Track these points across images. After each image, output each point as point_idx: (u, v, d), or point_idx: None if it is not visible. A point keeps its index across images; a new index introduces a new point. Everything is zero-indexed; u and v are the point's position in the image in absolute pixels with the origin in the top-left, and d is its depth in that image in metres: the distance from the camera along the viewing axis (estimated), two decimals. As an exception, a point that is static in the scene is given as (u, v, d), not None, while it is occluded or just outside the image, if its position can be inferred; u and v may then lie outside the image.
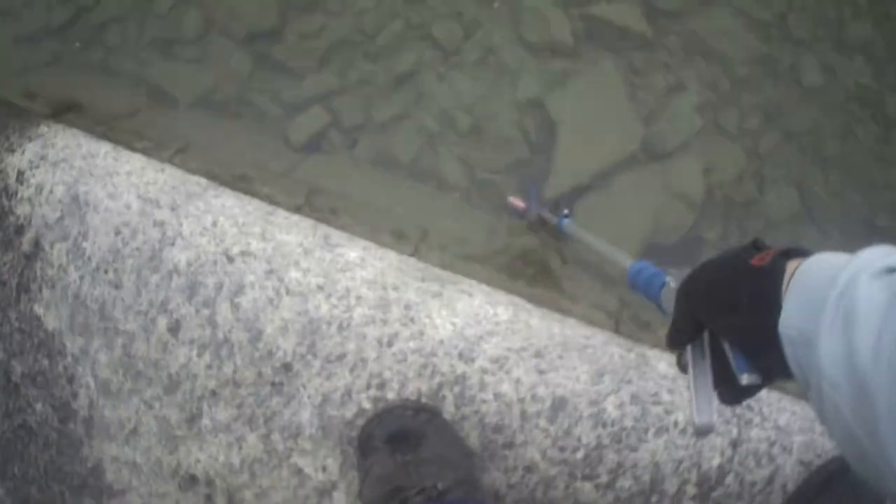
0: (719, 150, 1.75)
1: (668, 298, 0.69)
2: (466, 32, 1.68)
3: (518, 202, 1.53)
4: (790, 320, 0.46)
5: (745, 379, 0.52)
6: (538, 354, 0.92)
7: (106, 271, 0.95)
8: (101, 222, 0.96)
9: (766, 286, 0.50)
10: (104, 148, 1.02)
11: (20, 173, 1.03)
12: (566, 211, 1.43)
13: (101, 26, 1.84)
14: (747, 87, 1.81)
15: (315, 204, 1.44)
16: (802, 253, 0.53)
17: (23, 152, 1.04)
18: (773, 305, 0.49)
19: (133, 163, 1.00)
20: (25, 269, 0.99)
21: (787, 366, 0.47)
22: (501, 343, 0.91)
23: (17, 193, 1.02)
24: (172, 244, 0.92)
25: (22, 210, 1.01)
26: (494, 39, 1.68)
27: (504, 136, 1.61)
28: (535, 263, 1.46)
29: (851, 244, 1.05)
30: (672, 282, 0.71)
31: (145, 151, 1.15)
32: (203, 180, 1.00)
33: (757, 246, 0.57)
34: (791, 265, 0.51)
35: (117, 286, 0.93)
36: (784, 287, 0.49)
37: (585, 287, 1.43)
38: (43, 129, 1.05)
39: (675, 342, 0.60)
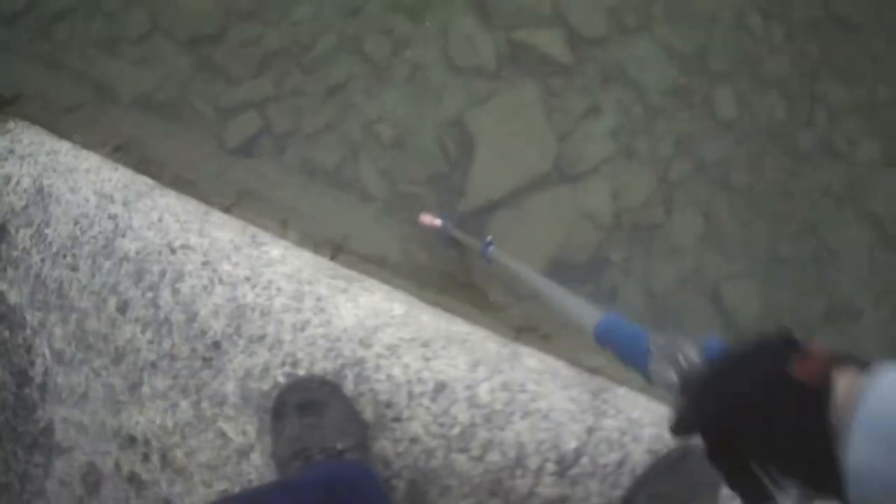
0: (630, 175, 2.28)
1: (659, 368, 0.73)
2: (396, 49, 2.26)
3: (431, 220, 2.01)
4: (865, 465, 0.45)
5: None
6: (425, 345, 1.45)
7: (64, 256, 1.45)
8: (62, 213, 1.47)
9: (814, 409, 0.49)
10: (65, 146, 1.53)
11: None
12: (489, 238, 1.83)
13: (52, 19, 2.38)
14: (662, 115, 2.34)
15: (244, 205, 1.93)
16: (854, 362, 0.51)
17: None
18: (825, 432, 0.47)
19: (91, 161, 1.51)
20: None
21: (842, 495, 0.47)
22: (395, 333, 1.45)
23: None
24: (123, 235, 1.43)
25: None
26: (422, 58, 2.30)
27: (425, 151, 2.23)
28: (446, 275, 1.96)
29: (754, 271, 1.73)
30: (655, 349, 0.75)
31: (86, 145, 1.62)
32: (150, 181, 1.53)
33: (789, 343, 0.55)
34: (843, 381, 0.49)
35: (74, 269, 1.43)
36: (837, 409, 0.48)
37: (490, 298, 1.89)
38: (10, 125, 1.55)
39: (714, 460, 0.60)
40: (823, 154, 2.45)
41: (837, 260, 2.35)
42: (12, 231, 1.54)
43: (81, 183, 1.55)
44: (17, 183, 1.57)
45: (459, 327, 1.59)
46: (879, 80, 2.48)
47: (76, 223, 1.53)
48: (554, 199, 2.22)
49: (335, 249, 1.85)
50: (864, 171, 2.46)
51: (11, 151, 1.60)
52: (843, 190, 2.42)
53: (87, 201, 1.53)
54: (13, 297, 1.51)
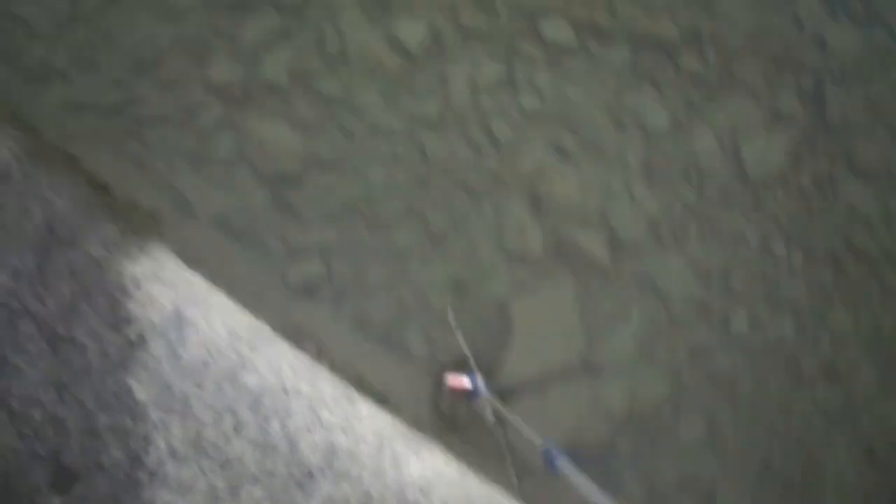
0: (647, 377, 3.06)
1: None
2: (455, 224, 3.06)
3: (460, 382, 2.83)
4: None
5: None
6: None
7: (192, 374, 2.21)
8: (195, 339, 2.25)
9: None
10: (200, 280, 2.30)
11: (136, 280, 2.30)
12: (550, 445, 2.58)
13: (145, 121, 3.21)
14: (682, 325, 3.16)
15: (302, 344, 2.66)
16: None
17: (140, 265, 2.30)
18: None
19: (221, 298, 2.27)
20: (128, 351, 2.26)
21: None
22: (448, 492, 2.20)
23: (132, 295, 2.29)
24: (246, 369, 2.19)
25: (134, 308, 2.30)
26: (477, 235, 3.12)
27: (467, 326, 3.02)
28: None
29: (747, 478, 2.70)
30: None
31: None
32: (268, 329, 2.28)
33: None
34: None
35: (199, 386, 2.21)
36: None
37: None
38: (152, 249, 2.31)
39: None
40: (824, 376, 3.18)
41: (825, 476, 3.04)
42: (150, 342, 2.30)
43: (214, 318, 2.33)
44: (160, 304, 2.34)
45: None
46: (886, 312, 3.28)
47: (207, 350, 2.30)
48: (575, 389, 3.02)
49: (380, 400, 2.61)
50: (861, 397, 3.18)
51: (156, 276, 2.39)
52: (838, 412, 3.14)
53: (219, 335, 2.30)
54: (140, 395, 2.27)
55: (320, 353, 2.73)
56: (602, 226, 3.31)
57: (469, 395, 2.93)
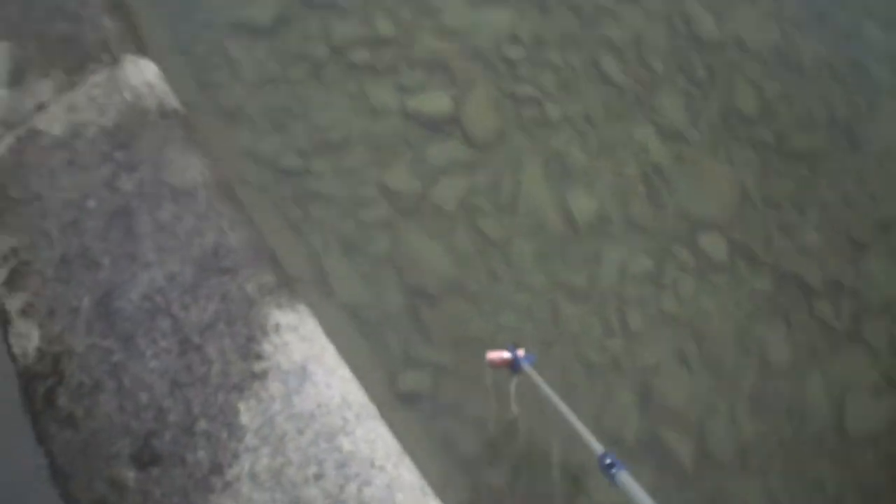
0: None
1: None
2: (565, 391, 3.22)
3: (500, 355, 3.02)
4: None
5: None
6: None
7: (298, 419, 2.45)
8: (312, 393, 2.49)
9: None
10: (331, 349, 2.56)
11: (277, 326, 2.58)
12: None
13: (314, 195, 3.56)
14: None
15: None
16: None
17: (285, 315, 2.59)
18: None
19: (345, 372, 2.53)
20: (248, 380, 2.50)
21: None
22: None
23: (269, 336, 2.56)
24: (345, 434, 2.43)
25: (267, 348, 2.56)
26: (580, 408, 3.10)
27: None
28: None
29: None
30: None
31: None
32: (375, 409, 2.52)
33: None
34: None
35: (300, 432, 2.44)
36: None
37: None
38: (301, 307, 2.61)
39: None
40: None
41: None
42: (270, 380, 2.56)
43: (334, 382, 2.59)
44: (291, 353, 2.61)
45: None
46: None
47: (318, 405, 2.54)
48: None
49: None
50: None
51: (296, 329, 2.67)
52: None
53: (332, 398, 2.55)
54: (244, 419, 2.49)
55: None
56: (696, 435, 3.42)
57: (512, 369, 3.11)
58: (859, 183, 4.23)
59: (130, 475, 2.40)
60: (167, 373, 2.53)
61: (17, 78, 3.27)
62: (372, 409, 2.54)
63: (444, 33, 4.29)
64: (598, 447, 2.46)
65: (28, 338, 2.66)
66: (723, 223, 3.87)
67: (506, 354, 3.13)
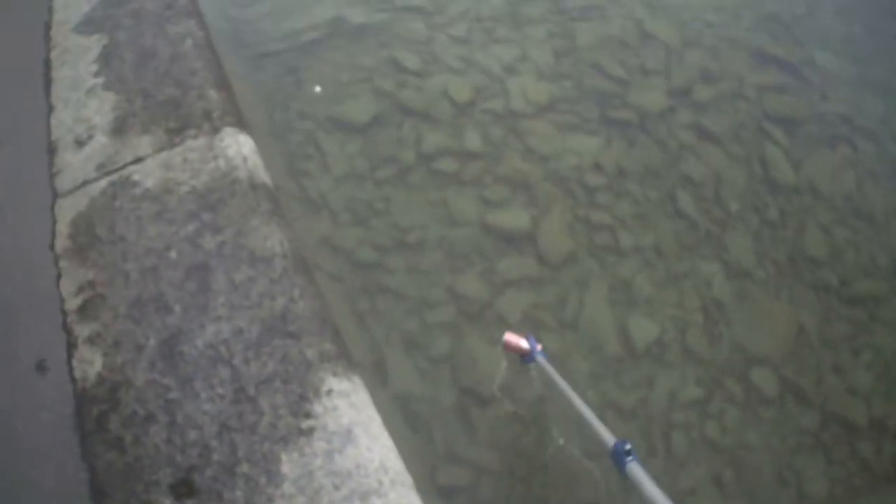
0: None
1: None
2: None
3: (517, 340, 3.05)
4: None
5: None
6: None
7: (336, 475, 2.55)
8: (352, 453, 2.59)
9: None
10: (378, 420, 2.68)
11: (330, 392, 2.70)
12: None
13: (384, 289, 3.75)
14: None
15: None
16: None
17: (339, 383, 2.72)
18: None
19: (387, 441, 2.64)
20: (294, 435, 2.61)
21: None
22: None
23: (321, 399, 2.69)
24: (377, 494, 2.51)
25: (317, 409, 2.67)
26: None
27: None
28: None
29: None
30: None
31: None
32: (409, 478, 2.62)
33: None
34: None
35: (336, 487, 2.51)
36: None
37: None
38: (355, 378, 2.74)
39: None
40: None
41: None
42: (315, 438, 2.64)
43: (375, 449, 2.69)
44: (339, 417, 2.74)
45: None
46: None
47: (357, 466, 2.62)
48: None
49: None
50: None
51: (347, 397, 2.78)
52: None
53: (372, 462, 2.63)
54: (285, 468, 2.55)
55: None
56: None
57: (523, 358, 3.16)
58: (917, 333, 4.25)
59: (166, 502, 2.47)
60: (219, 416, 2.63)
61: (118, 128, 3.55)
62: (408, 478, 2.62)
63: (531, 155, 4.52)
64: (610, 437, 2.50)
65: (91, 364, 2.79)
66: (776, 360, 3.91)
67: (524, 343, 3.20)
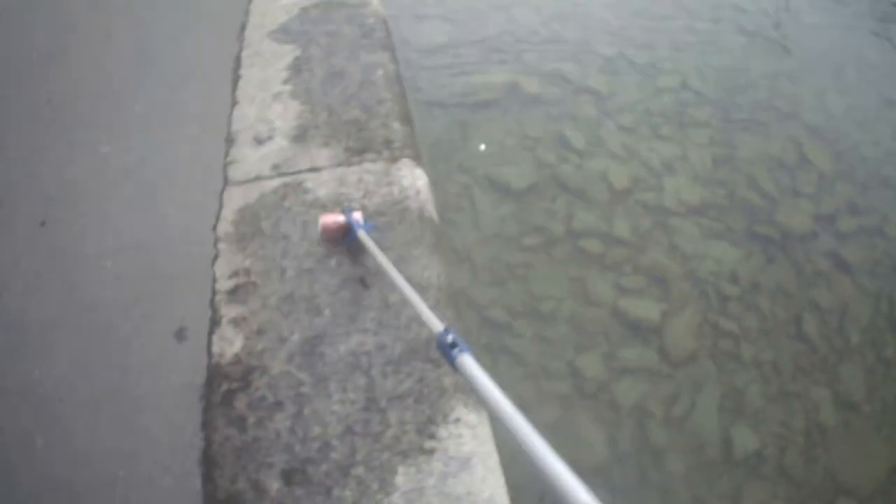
0: None
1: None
2: None
3: (334, 219, 3.15)
4: None
5: None
6: None
7: (446, 496, 2.66)
8: (466, 481, 2.75)
9: None
10: (496, 457, 2.99)
11: (458, 420, 2.98)
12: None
13: (508, 351, 4.06)
14: None
15: None
16: None
17: (468, 413, 3.02)
18: None
19: (500, 478, 2.96)
20: (414, 452, 2.76)
21: None
22: None
23: (447, 424, 2.91)
24: None
25: (441, 433, 2.88)
26: None
27: None
28: None
29: None
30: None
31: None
32: None
33: None
34: None
35: None
36: None
37: None
38: (484, 414, 3.05)
39: None
40: None
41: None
42: (434, 458, 2.73)
43: (488, 482, 2.85)
44: (461, 444, 3.09)
45: None
46: None
47: (468, 493, 2.68)
48: None
49: None
50: None
51: (473, 427, 2.97)
52: None
53: (482, 492, 2.66)
54: (399, 480, 2.68)
55: None
56: None
57: (346, 236, 3.26)
58: None
59: (275, 486, 2.70)
60: (346, 419, 2.87)
61: (299, 136, 3.96)
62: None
63: (674, 252, 4.77)
64: (437, 324, 2.38)
65: (230, 343, 3.09)
66: (863, 494, 4.21)
67: (340, 218, 3.24)
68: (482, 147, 5.20)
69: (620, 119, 5.68)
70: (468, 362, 2.04)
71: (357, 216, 3.27)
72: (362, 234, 3.24)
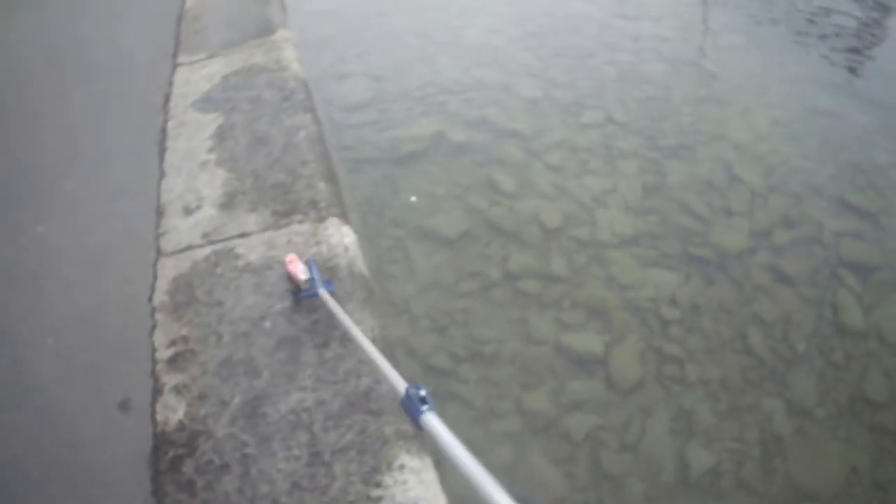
0: None
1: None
2: None
3: (295, 267, 3.25)
4: None
5: None
6: None
7: None
8: None
9: None
10: (443, 500, 3.03)
11: (402, 466, 3.01)
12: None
13: (455, 396, 4.01)
14: None
15: None
16: None
17: (411, 459, 3.07)
18: None
19: None
20: (362, 501, 3.04)
21: None
22: None
23: (392, 472, 2.98)
24: None
25: (387, 480, 2.93)
26: None
27: None
28: None
29: None
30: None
31: None
32: None
33: None
34: None
35: None
36: None
37: None
38: (427, 458, 3.09)
39: None
40: None
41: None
42: None
43: None
44: (407, 490, 2.93)
45: None
46: None
47: None
48: None
49: None
50: None
51: (418, 473, 2.91)
52: None
53: None
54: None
55: None
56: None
57: (303, 291, 3.40)
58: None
59: None
60: (292, 475, 2.96)
61: (227, 203, 4.11)
62: None
63: (612, 284, 4.91)
64: (401, 383, 2.41)
65: (174, 410, 3.18)
66: (826, 497, 4.27)
67: (302, 274, 3.40)
68: (413, 199, 5.32)
69: (548, 158, 5.88)
70: (433, 421, 2.10)
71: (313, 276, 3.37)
72: (323, 293, 3.36)
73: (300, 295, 3.45)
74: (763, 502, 4.03)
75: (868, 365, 4.60)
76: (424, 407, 2.17)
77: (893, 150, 6.37)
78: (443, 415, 3.89)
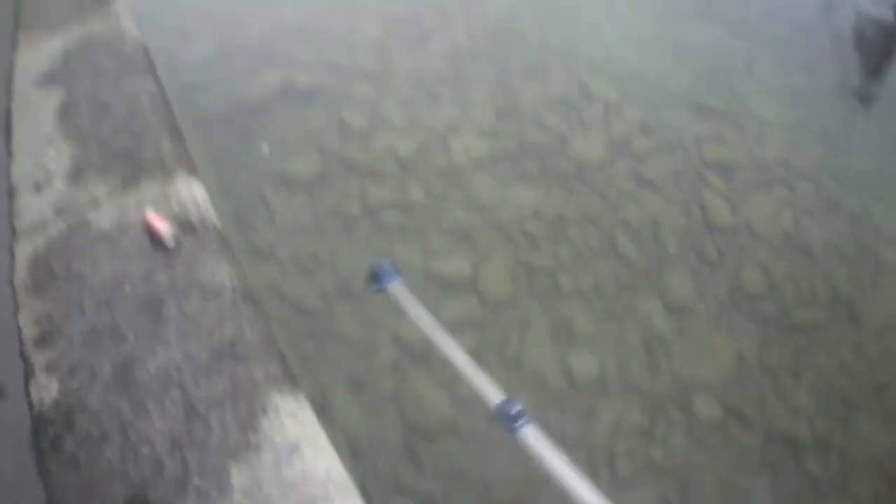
0: None
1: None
2: None
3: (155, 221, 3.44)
4: None
5: None
6: None
7: (283, 485, 2.85)
8: (299, 465, 2.91)
9: None
10: (323, 435, 3.07)
11: (277, 409, 3.09)
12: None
13: (331, 335, 4.19)
14: None
15: None
16: None
17: (286, 402, 3.12)
18: None
19: (333, 455, 3.03)
20: (243, 448, 2.93)
21: None
22: None
23: (269, 416, 3.06)
24: (325, 500, 2.86)
25: (265, 425, 3.02)
26: None
27: None
28: None
29: None
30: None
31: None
32: (355, 487, 3.04)
33: None
34: None
35: (284, 496, 2.81)
36: None
37: None
38: (301, 397, 3.16)
39: None
40: None
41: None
42: (263, 451, 2.91)
43: (322, 460, 2.85)
44: (286, 432, 2.98)
45: None
46: None
47: (304, 477, 2.79)
48: None
49: None
50: None
51: (294, 414, 3.04)
52: None
53: (318, 472, 2.81)
54: (235, 480, 2.83)
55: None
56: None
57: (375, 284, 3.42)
58: (856, 351, 4.61)
59: None
60: (171, 434, 2.98)
61: (76, 175, 4.05)
62: (353, 488, 2.97)
63: (472, 206, 5.02)
64: (496, 394, 2.40)
65: (47, 389, 3.16)
66: (718, 388, 4.30)
67: (161, 224, 3.54)
68: (265, 147, 5.31)
69: (398, 93, 5.87)
70: (532, 435, 2.15)
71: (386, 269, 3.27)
72: (396, 287, 3.29)
73: (371, 289, 3.41)
74: (655, 401, 4.14)
75: (742, 259, 4.75)
76: (521, 420, 2.19)
77: (751, 54, 6.61)
78: (322, 354, 3.92)
